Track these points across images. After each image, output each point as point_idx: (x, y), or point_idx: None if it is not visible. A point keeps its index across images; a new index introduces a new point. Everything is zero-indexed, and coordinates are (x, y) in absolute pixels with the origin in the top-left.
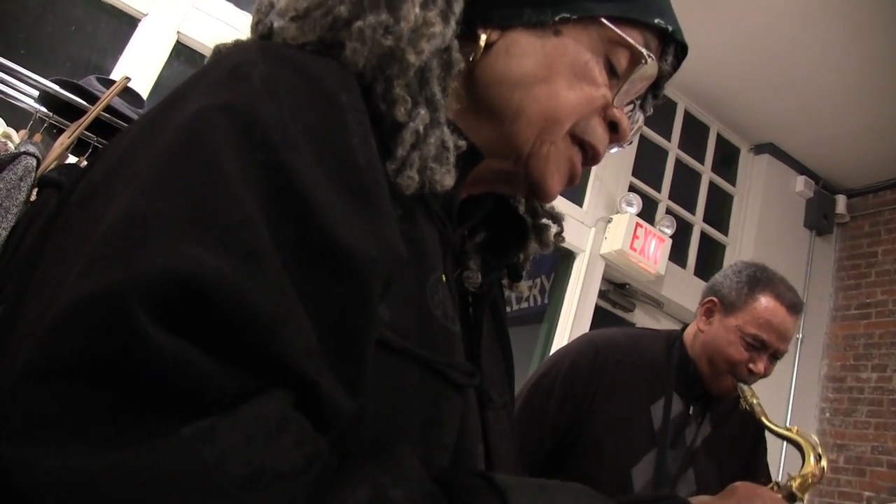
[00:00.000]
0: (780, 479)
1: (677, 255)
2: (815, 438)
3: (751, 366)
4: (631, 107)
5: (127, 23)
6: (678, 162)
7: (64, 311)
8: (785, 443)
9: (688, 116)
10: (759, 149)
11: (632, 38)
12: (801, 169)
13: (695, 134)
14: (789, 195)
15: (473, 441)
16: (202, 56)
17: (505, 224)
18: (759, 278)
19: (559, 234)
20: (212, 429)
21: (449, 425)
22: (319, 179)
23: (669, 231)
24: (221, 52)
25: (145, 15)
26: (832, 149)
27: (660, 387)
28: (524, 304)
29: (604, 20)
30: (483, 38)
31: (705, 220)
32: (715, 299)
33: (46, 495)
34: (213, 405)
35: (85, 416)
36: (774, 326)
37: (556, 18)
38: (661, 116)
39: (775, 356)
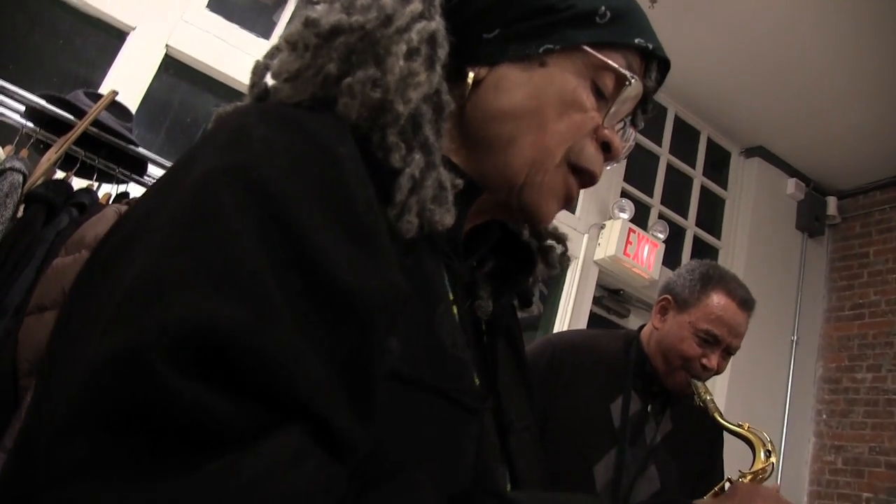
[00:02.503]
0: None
1: (671, 259)
2: (766, 435)
3: (704, 361)
4: (622, 124)
5: (115, 36)
6: (670, 167)
7: (91, 370)
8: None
9: (678, 121)
10: (749, 152)
11: (614, 61)
12: (792, 171)
13: (685, 138)
14: (780, 198)
15: (493, 463)
16: (191, 69)
17: (512, 251)
18: (710, 276)
19: (564, 254)
20: (234, 463)
21: (465, 449)
22: (320, 226)
23: (662, 236)
24: (223, 116)
25: (133, 28)
26: (822, 151)
27: (618, 385)
28: (523, 313)
29: (586, 48)
30: (471, 76)
31: (698, 224)
32: (669, 297)
33: None
34: (233, 443)
35: (117, 461)
36: (726, 321)
37: (541, 50)
38: (651, 122)
39: (728, 351)
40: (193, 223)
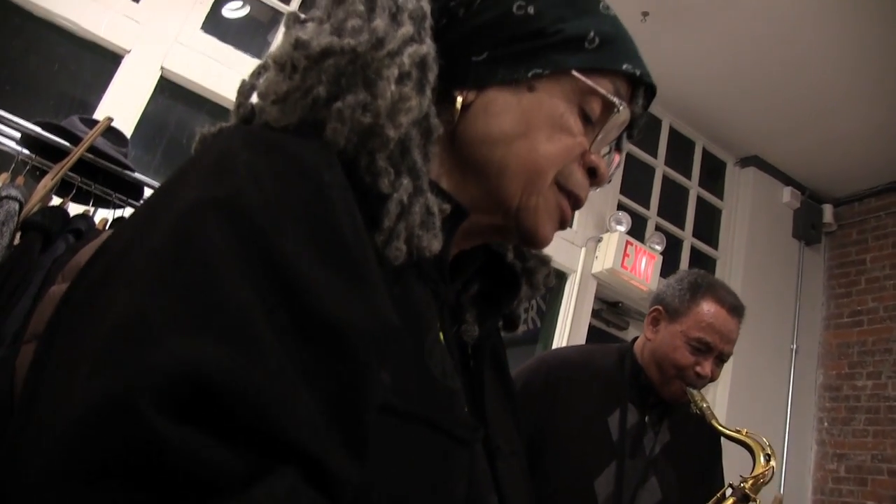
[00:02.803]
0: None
1: (669, 271)
2: (765, 439)
3: (697, 369)
4: (607, 149)
5: (110, 59)
6: (665, 178)
7: (78, 415)
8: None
9: (673, 132)
10: (744, 162)
11: (602, 86)
12: (787, 180)
13: (681, 150)
14: (777, 206)
15: (485, 492)
16: (186, 90)
17: (496, 274)
18: (699, 284)
19: (549, 276)
20: None
21: (458, 480)
22: (308, 259)
23: (660, 248)
24: (206, 139)
25: (128, 51)
26: (817, 159)
27: (614, 399)
28: (523, 328)
29: (574, 73)
30: (459, 100)
31: (695, 234)
32: (660, 308)
33: None
34: (226, 488)
35: None
36: (717, 328)
37: (530, 75)
38: (646, 134)
39: (721, 358)
40: (177, 260)
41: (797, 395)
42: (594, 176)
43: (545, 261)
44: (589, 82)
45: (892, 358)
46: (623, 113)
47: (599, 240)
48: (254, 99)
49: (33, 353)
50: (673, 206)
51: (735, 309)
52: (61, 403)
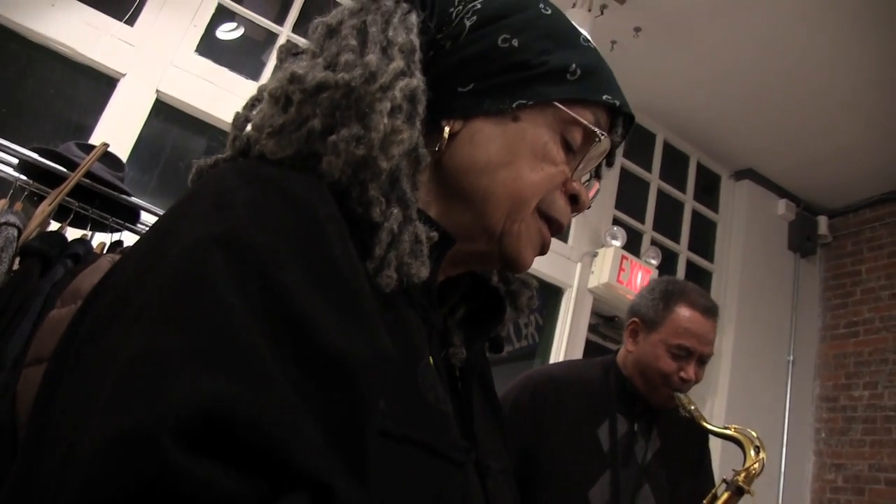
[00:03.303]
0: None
1: None
2: (753, 433)
3: (682, 374)
4: (588, 176)
5: (106, 83)
6: (660, 192)
7: (98, 449)
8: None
9: (667, 147)
10: (739, 175)
11: (583, 117)
12: (782, 192)
13: (675, 164)
14: (772, 219)
15: None
16: (182, 113)
17: (481, 298)
18: (671, 291)
19: (531, 298)
20: None
21: (453, 500)
22: (308, 293)
23: (655, 262)
24: (203, 172)
25: (124, 75)
26: (811, 171)
27: (602, 410)
28: (523, 343)
29: (557, 104)
30: (447, 129)
31: (690, 248)
32: (637, 319)
33: None
34: None
35: None
36: (695, 332)
37: (514, 105)
38: (641, 148)
39: (702, 360)
40: (187, 298)
41: (794, 406)
42: (575, 203)
43: (528, 284)
44: (571, 113)
45: (888, 368)
46: (604, 142)
47: (595, 255)
48: (248, 128)
49: (40, 386)
50: (668, 220)
51: (709, 310)
52: (81, 437)
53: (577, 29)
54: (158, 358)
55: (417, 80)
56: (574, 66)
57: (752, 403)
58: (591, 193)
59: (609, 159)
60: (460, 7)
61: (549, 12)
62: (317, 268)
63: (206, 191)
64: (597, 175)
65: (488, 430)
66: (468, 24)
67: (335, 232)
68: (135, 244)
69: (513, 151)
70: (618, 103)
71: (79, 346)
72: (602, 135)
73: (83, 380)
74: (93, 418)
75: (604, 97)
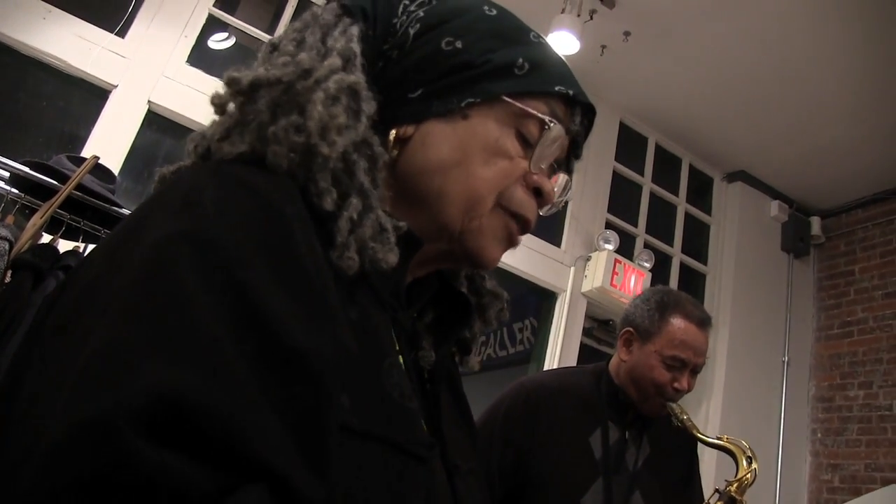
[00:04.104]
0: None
1: None
2: (745, 443)
3: (675, 384)
4: (552, 169)
5: (98, 95)
6: (653, 195)
7: (60, 438)
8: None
9: (659, 150)
10: (731, 177)
11: (536, 108)
12: (775, 194)
13: (667, 167)
14: (765, 220)
15: None
16: (174, 123)
17: (450, 302)
18: (666, 302)
19: (501, 311)
20: None
21: (416, 496)
22: (273, 289)
23: (648, 265)
24: (166, 178)
25: (115, 86)
26: (803, 172)
27: (594, 418)
28: (518, 348)
29: (505, 98)
30: (393, 133)
31: (683, 251)
32: (631, 329)
33: None
34: None
35: None
36: (689, 344)
37: (463, 104)
38: (633, 151)
39: (694, 371)
40: (151, 291)
41: (790, 407)
42: (539, 195)
43: (499, 296)
44: (520, 105)
45: (882, 367)
46: (554, 129)
47: (588, 259)
48: (204, 136)
49: (4, 376)
50: (661, 222)
51: (703, 322)
52: (43, 425)
53: (525, 26)
54: (121, 348)
55: (357, 77)
56: (521, 60)
57: (747, 405)
58: (556, 182)
59: (575, 151)
60: (404, 17)
61: (494, 13)
62: (282, 266)
63: (174, 189)
64: (567, 169)
65: (456, 431)
66: (412, 32)
67: (300, 229)
68: (103, 240)
69: (464, 150)
70: (572, 92)
71: (45, 339)
72: (551, 122)
73: (48, 371)
74: (56, 407)
75: (556, 88)
